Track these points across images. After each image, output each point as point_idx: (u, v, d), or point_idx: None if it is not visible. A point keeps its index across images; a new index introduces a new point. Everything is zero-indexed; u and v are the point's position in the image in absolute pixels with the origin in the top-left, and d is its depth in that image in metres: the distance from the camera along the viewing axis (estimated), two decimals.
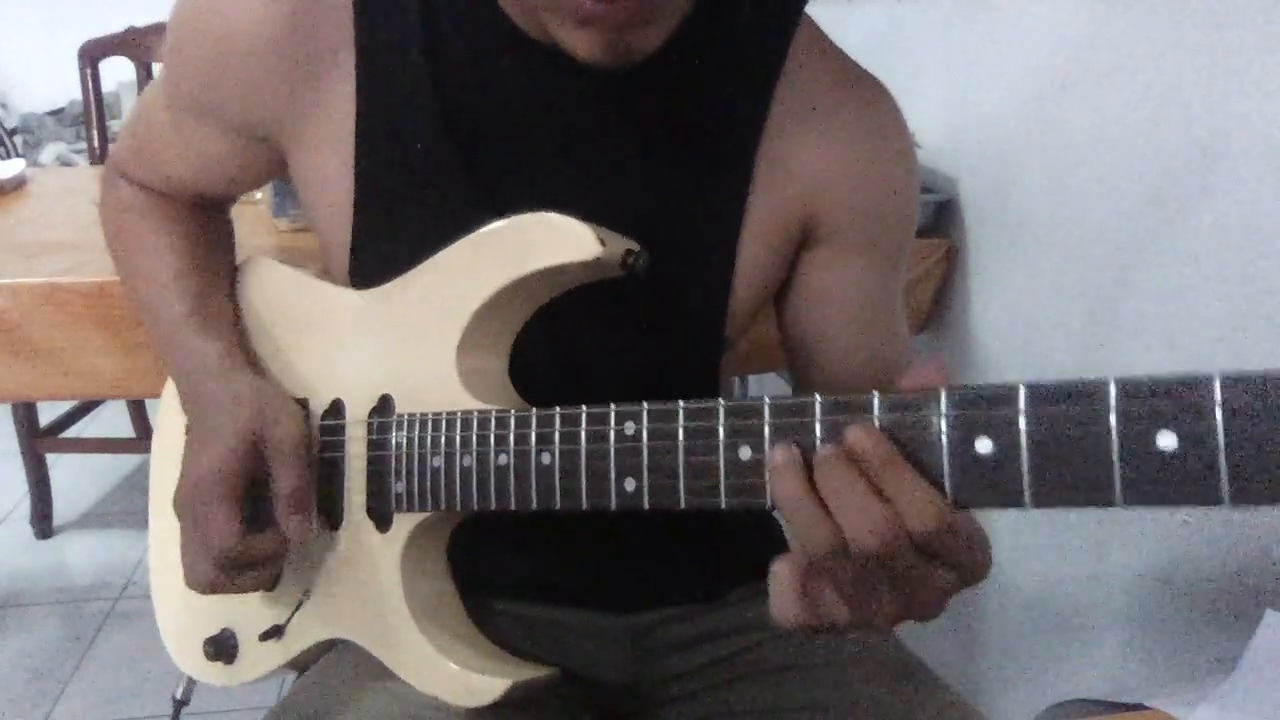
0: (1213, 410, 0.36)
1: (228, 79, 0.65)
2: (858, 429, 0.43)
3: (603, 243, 0.56)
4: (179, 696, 1.36)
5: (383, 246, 0.66)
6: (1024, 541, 1.16)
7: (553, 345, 0.66)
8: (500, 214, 0.59)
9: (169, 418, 0.81)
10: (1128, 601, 0.98)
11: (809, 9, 0.68)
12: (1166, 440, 0.37)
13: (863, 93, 0.68)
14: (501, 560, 0.72)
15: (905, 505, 0.42)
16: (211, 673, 0.74)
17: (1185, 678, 0.76)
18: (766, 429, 0.47)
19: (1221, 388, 0.36)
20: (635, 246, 0.58)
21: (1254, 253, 0.81)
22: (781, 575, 0.46)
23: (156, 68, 1.96)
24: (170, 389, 0.81)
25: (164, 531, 0.80)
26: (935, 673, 0.72)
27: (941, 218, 1.31)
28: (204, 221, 0.78)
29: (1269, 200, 0.80)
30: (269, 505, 0.63)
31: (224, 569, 0.63)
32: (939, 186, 1.32)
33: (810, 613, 0.46)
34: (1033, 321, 1.14)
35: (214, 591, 0.65)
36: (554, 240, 0.57)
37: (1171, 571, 0.92)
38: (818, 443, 0.45)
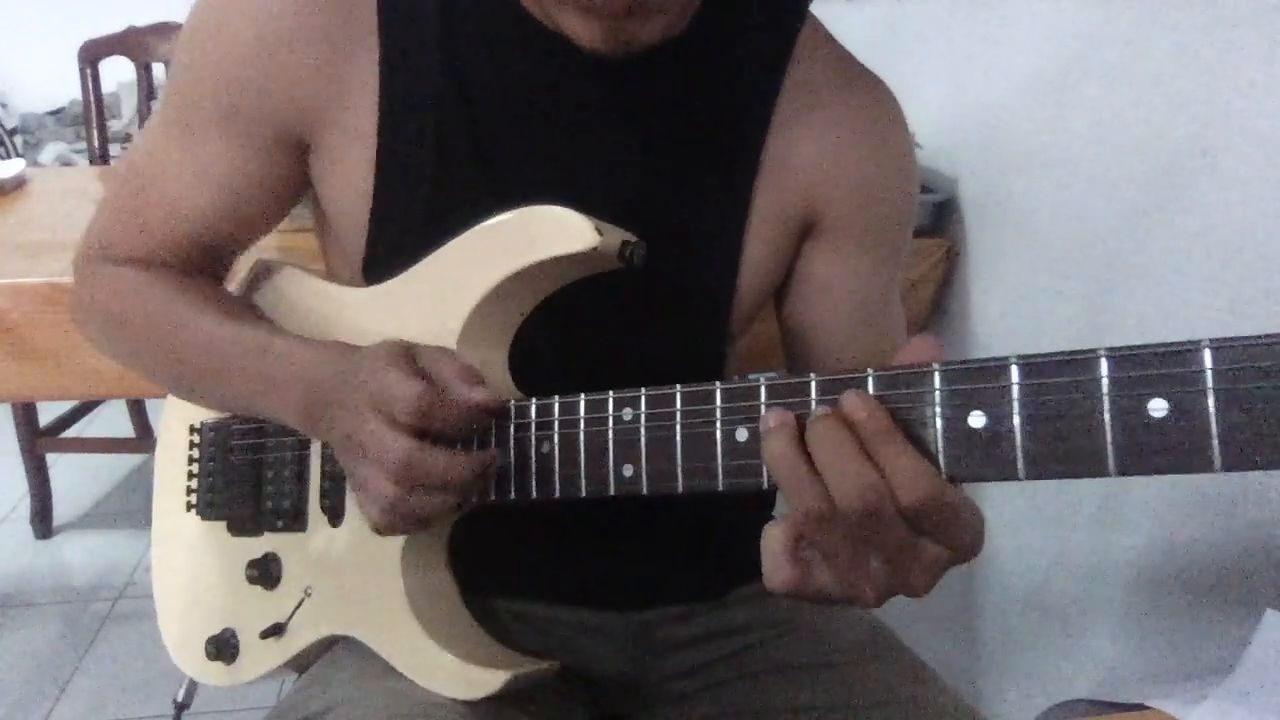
0: (1203, 376, 0.36)
1: (261, 76, 0.64)
2: (852, 395, 0.43)
3: (600, 233, 0.56)
4: (180, 699, 1.36)
5: (397, 239, 0.66)
6: (1024, 541, 1.16)
7: (559, 339, 0.67)
8: (510, 203, 0.59)
9: (173, 418, 0.81)
10: (1128, 601, 0.98)
11: (810, 8, 0.69)
12: (1158, 407, 0.37)
13: (865, 90, 0.69)
14: (502, 558, 0.72)
15: (896, 475, 0.42)
16: (212, 672, 0.75)
17: (1185, 678, 0.76)
18: (763, 410, 0.47)
19: (1212, 354, 0.36)
20: (632, 238, 0.58)
21: (1253, 253, 0.81)
22: (772, 538, 0.46)
23: (157, 68, 1.96)
24: None
25: (167, 531, 0.80)
26: (935, 672, 0.72)
27: (941, 218, 1.31)
28: (213, 280, 0.73)
29: (1268, 200, 0.80)
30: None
31: (417, 428, 0.53)
32: (939, 186, 1.32)
33: (799, 577, 0.45)
34: (1032, 321, 1.14)
35: (413, 472, 0.53)
36: (551, 232, 0.57)
37: (1171, 571, 0.92)
38: None
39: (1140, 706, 0.66)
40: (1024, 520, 1.16)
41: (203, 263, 0.72)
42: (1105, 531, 1.01)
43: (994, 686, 1.25)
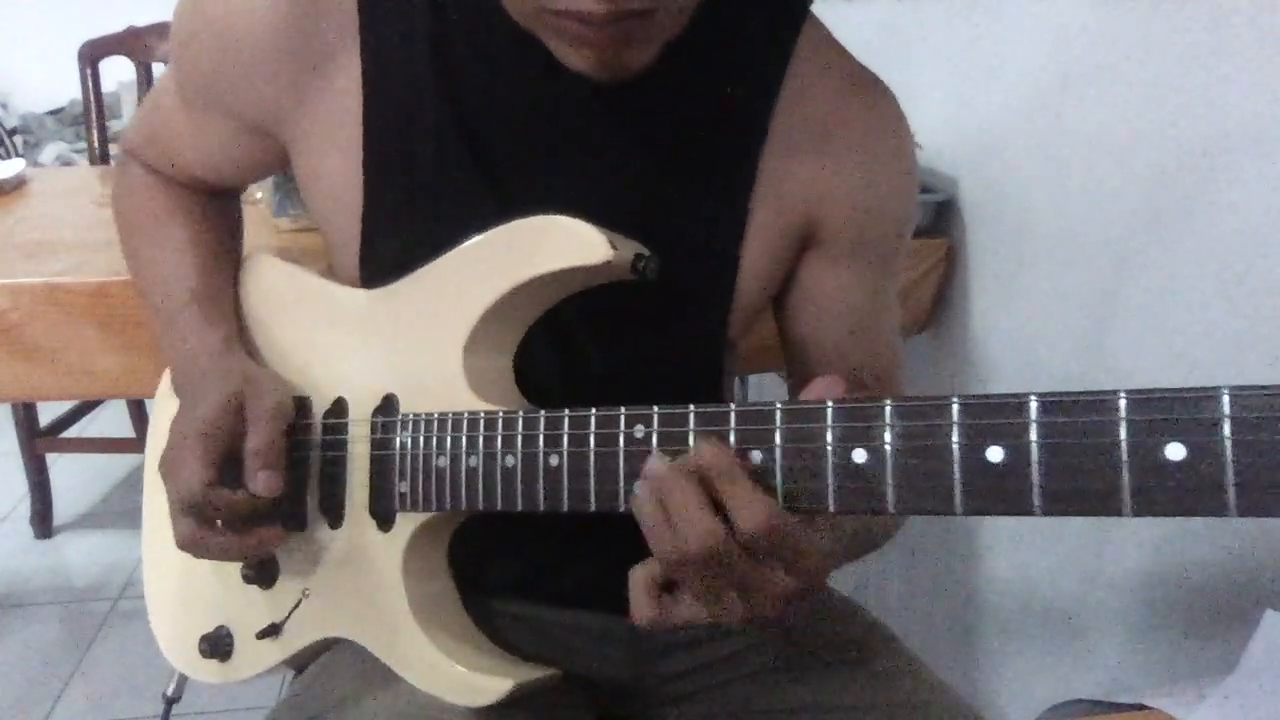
0: (1221, 422, 0.37)
1: (231, 71, 0.66)
2: (701, 442, 0.48)
3: (614, 247, 0.56)
4: (169, 694, 1.36)
5: (394, 243, 0.66)
6: (1024, 542, 1.16)
7: (558, 346, 0.67)
8: (509, 212, 0.59)
9: (162, 417, 0.81)
10: (1127, 601, 0.98)
11: (813, 9, 0.68)
12: (1175, 451, 0.38)
13: (867, 98, 0.68)
14: (502, 560, 0.72)
15: (735, 511, 0.46)
16: (206, 670, 0.74)
17: (1185, 678, 0.76)
18: (778, 434, 0.47)
19: (1230, 400, 0.36)
20: (645, 251, 0.58)
21: (1254, 253, 0.81)
22: (636, 580, 0.51)
23: (157, 68, 1.96)
24: (165, 385, 0.81)
25: (159, 527, 0.80)
26: (934, 672, 0.72)
27: (941, 218, 1.31)
28: (213, 207, 0.79)
29: (1269, 201, 0.80)
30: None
31: (195, 520, 0.63)
32: (939, 186, 1.32)
33: (660, 614, 0.50)
34: (1032, 321, 1.14)
35: (194, 548, 0.64)
36: (565, 243, 0.57)
37: (1171, 571, 0.92)
38: (829, 448, 0.45)
39: (1140, 706, 0.66)
40: (1024, 520, 1.16)
41: (206, 188, 0.78)
42: (1105, 531, 1.01)
43: (994, 686, 1.25)
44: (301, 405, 0.68)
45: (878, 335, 0.74)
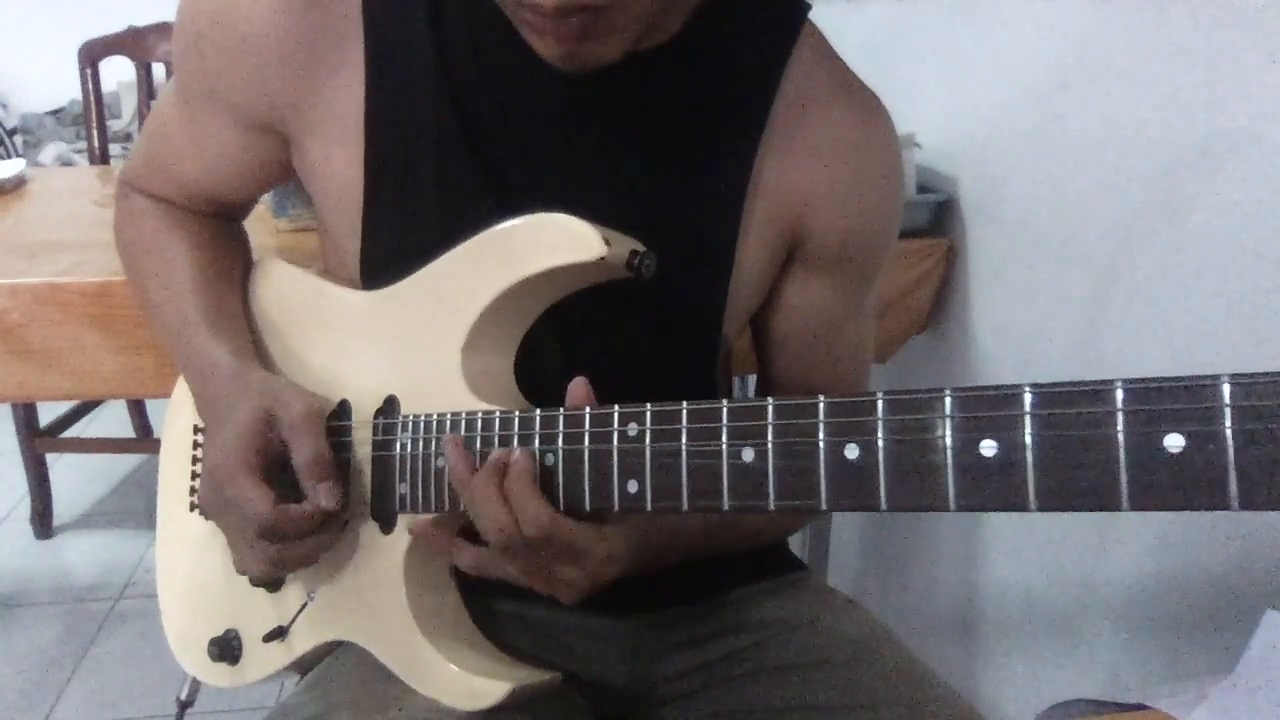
0: (1221, 412, 0.35)
1: (238, 66, 0.66)
2: (502, 450, 0.56)
3: (608, 243, 0.56)
4: (183, 697, 1.36)
5: (393, 238, 0.67)
6: (1024, 541, 1.16)
7: (555, 344, 0.67)
8: (508, 208, 0.59)
9: (179, 417, 0.81)
10: (1128, 601, 0.98)
11: (811, 12, 0.68)
12: (1174, 443, 0.36)
13: (863, 114, 0.69)
14: None
15: (518, 513, 0.54)
16: (215, 673, 0.75)
17: (1185, 678, 0.76)
18: (770, 431, 0.47)
19: (1230, 389, 0.35)
20: (641, 248, 0.58)
21: (1254, 253, 0.81)
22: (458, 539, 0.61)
23: (157, 68, 1.96)
24: (180, 389, 0.81)
25: (171, 531, 0.80)
26: (935, 672, 0.72)
27: (941, 218, 1.31)
28: (217, 229, 0.78)
29: (1269, 200, 0.80)
30: (296, 483, 0.63)
31: (269, 542, 0.62)
32: (939, 186, 1.32)
33: (479, 564, 0.60)
34: (1032, 321, 1.14)
35: (271, 571, 0.65)
36: (558, 241, 0.57)
37: (1171, 571, 0.92)
38: (820, 444, 0.45)
39: (1140, 706, 0.66)
40: (1024, 519, 1.16)
41: (211, 209, 0.78)
42: (1105, 530, 1.01)
43: (994, 686, 1.25)
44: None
45: (838, 346, 0.75)
